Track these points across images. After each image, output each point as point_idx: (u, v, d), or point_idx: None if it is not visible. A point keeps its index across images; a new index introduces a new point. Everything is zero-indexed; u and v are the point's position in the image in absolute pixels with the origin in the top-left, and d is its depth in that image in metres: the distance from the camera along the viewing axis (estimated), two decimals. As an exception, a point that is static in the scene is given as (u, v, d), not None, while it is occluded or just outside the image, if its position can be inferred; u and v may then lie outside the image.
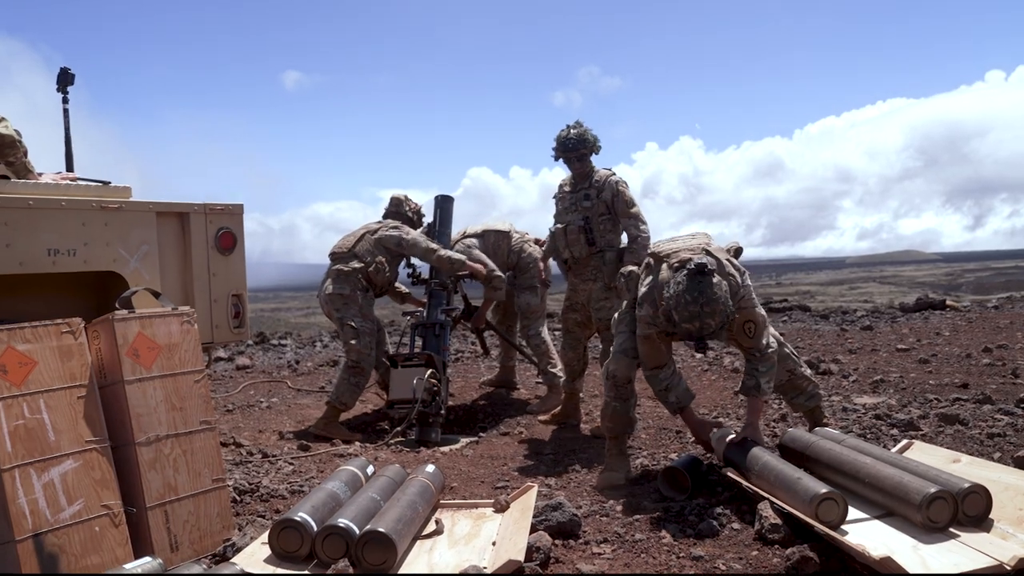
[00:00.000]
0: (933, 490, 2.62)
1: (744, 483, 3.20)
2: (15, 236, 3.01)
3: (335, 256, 5.33)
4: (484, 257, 5.57)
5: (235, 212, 3.72)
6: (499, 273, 5.58)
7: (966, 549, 2.50)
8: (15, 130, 3.36)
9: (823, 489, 2.72)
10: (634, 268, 3.89)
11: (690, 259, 3.21)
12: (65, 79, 4.09)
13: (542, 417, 5.27)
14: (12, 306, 3.17)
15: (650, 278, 3.52)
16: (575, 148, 4.76)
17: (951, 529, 2.64)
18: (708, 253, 3.41)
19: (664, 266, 3.44)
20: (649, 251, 3.75)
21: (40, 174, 3.52)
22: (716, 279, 3.14)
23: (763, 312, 3.56)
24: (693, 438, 3.99)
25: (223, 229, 3.66)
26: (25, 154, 3.40)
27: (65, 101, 4.10)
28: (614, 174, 4.82)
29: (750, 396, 3.52)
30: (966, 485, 2.69)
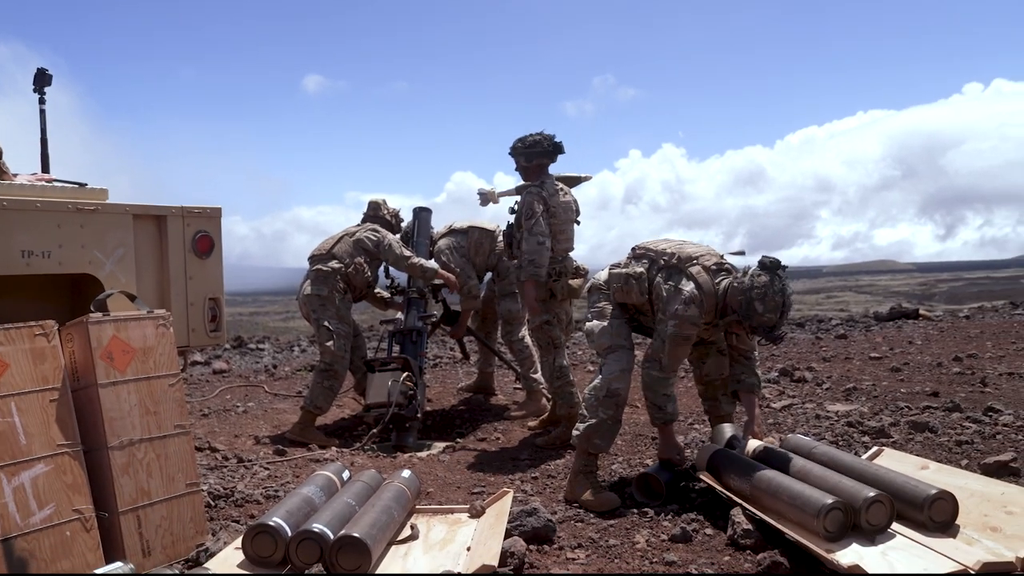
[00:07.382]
0: (830, 501, 2.68)
1: (719, 488, 3.23)
2: (-12, 237, 2.99)
3: (314, 258, 5.32)
4: (462, 265, 5.58)
5: (213, 216, 3.71)
6: (474, 281, 5.60)
7: (933, 554, 2.55)
8: (-10, 131, 3.33)
9: (829, 500, 2.70)
10: (641, 271, 3.77)
11: (765, 258, 3.33)
12: (42, 80, 4.07)
13: (531, 423, 5.27)
14: (-16, 308, 3.14)
15: (684, 280, 3.47)
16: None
17: (919, 534, 2.69)
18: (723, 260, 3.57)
19: (696, 269, 3.46)
20: (648, 251, 3.70)
21: (15, 175, 3.49)
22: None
23: None
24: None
25: (200, 232, 3.65)
26: (0, 155, 3.37)
27: (42, 102, 4.07)
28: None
29: (752, 393, 3.61)
30: (933, 491, 2.74)
